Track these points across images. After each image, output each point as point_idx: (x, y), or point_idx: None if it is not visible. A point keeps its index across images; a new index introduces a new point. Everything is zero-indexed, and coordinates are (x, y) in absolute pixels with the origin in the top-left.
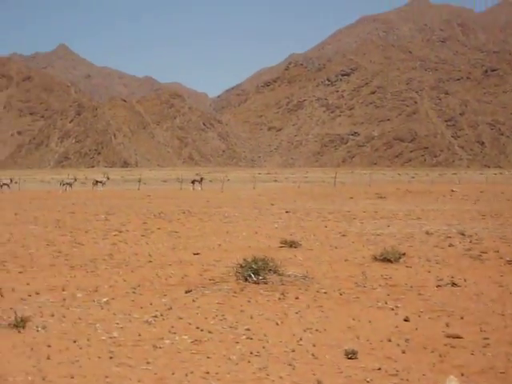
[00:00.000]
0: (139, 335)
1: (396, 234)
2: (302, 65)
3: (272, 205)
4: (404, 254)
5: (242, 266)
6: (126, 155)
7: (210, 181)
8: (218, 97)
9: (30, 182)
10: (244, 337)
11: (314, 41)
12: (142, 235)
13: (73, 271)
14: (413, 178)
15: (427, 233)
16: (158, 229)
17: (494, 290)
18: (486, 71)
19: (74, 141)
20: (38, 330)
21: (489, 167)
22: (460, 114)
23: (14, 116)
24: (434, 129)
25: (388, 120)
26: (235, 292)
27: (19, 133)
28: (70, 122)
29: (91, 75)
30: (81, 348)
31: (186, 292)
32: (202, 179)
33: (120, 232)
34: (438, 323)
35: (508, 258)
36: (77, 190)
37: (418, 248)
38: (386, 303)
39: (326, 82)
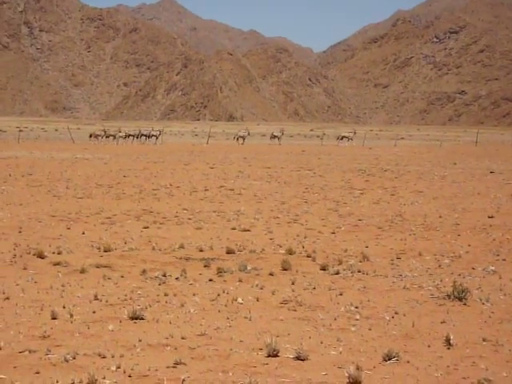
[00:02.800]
0: None
1: None
2: (409, 21)
3: (455, 164)
4: None
5: None
6: (232, 109)
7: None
8: (324, 52)
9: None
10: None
11: None
12: None
13: None
14: None
15: None
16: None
17: None
18: None
19: (180, 93)
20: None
21: None
22: None
23: (121, 67)
24: None
25: (496, 79)
26: None
27: (125, 84)
28: (176, 75)
29: (197, 28)
30: None
31: None
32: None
33: None
34: None
35: None
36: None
37: None
38: None
39: (434, 40)
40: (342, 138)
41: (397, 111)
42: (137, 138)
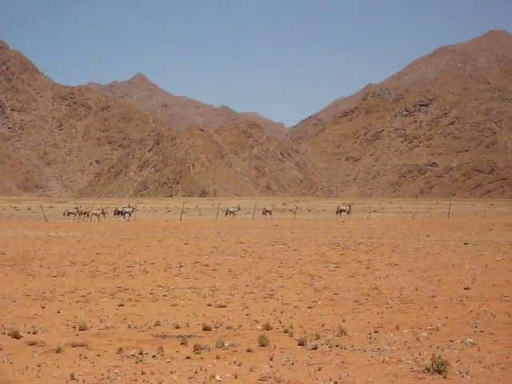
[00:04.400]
0: None
1: None
2: (379, 95)
3: (428, 236)
4: None
5: None
6: (205, 184)
7: (309, 210)
8: (295, 127)
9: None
10: None
11: (391, 71)
12: None
13: None
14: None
15: None
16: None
17: None
18: None
19: (152, 170)
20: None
21: None
22: None
23: (93, 145)
24: None
25: (466, 151)
26: None
27: (97, 161)
28: (148, 151)
29: (168, 104)
30: None
31: None
32: (350, 207)
33: None
34: None
35: None
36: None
37: None
38: None
39: (404, 113)
40: (340, 212)
41: (368, 184)
42: (114, 214)
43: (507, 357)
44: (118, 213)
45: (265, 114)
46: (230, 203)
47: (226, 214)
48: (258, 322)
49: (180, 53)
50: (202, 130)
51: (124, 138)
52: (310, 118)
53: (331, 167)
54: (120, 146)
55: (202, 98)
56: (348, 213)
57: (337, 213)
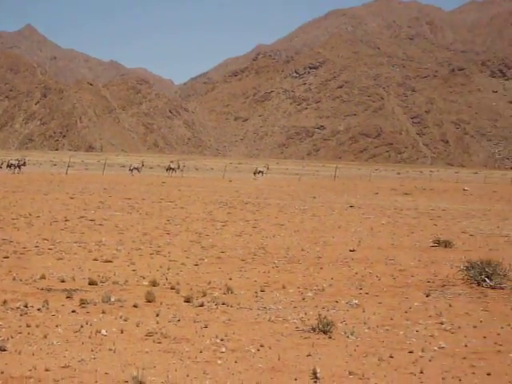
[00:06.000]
0: None
1: None
2: (270, 56)
3: (314, 198)
4: None
5: (468, 269)
6: (91, 139)
7: (197, 169)
8: (184, 84)
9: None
10: None
11: (282, 33)
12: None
13: None
14: (395, 174)
15: None
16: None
17: None
18: (453, 70)
19: (39, 123)
20: None
21: (452, 166)
22: (426, 112)
23: None
24: (399, 125)
25: (354, 115)
26: (479, 298)
27: None
28: (35, 104)
29: (57, 57)
30: None
31: (427, 296)
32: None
33: None
34: None
35: None
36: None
37: None
38: None
39: (294, 75)
40: (258, 173)
41: (256, 144)
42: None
43: (391, 319)
44: (10, 165)
45: (154, 70)
46: (116, 159)
47: (130, 169)
48: (144, 278)
49: (69, 4)
50: (91, 84)
51: (11, 90)
52: (199, 76)
53: (219, 126)
54: (6, 97)
55: (92, 51)
56: (265, 173)
57: (254, 173)
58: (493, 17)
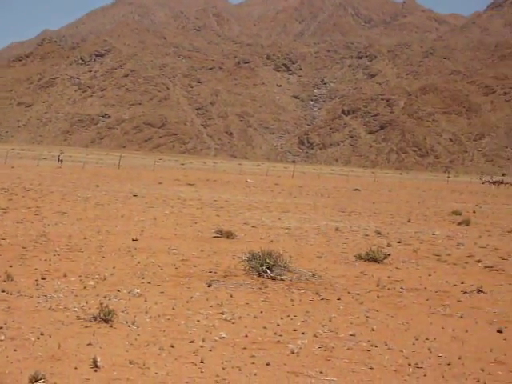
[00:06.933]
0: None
1: (308, 230)
2: (55, 42)
3: (97, 186)
4: (389, 255)
5: (250, 260)
6: None
7: None
8: None
9: None
10: (366, 343)
11: (69, 19)
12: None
13: None
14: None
15: (337, 229)
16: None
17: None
18: (239, 63)
19: None
20: None
21: (235, 157)
22: (211, 104)
23: None
24: (184, 116)
25: (139, 104)
26: (260, 288)
27: None
28: None
29: None
30: None
31: (208, 286)
32: None
33: None
34: None
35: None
36: None
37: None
38: (440, 309)
39: (80, 62)
40: (61, 161)
41: (39, 131)
42: None
43: (173, 308)
44: None
45: None
46: None
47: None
48: None
49: None
50: None
51: None
52: None
53: (1, 112)
54: None
55: None
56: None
57: (58, 161)
58: (278, 11)
